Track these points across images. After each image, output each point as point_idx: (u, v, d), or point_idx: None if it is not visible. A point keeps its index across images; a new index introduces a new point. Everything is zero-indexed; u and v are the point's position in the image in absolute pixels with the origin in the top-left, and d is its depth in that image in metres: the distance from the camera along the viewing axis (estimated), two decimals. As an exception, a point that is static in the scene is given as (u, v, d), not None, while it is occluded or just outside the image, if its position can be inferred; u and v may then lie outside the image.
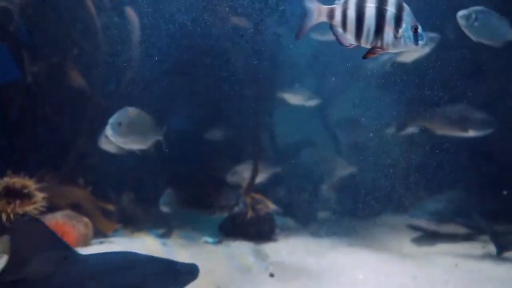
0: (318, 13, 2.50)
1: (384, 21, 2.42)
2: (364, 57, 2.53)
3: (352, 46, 2.52)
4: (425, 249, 6.12)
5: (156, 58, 6.23)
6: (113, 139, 4.67)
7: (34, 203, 5.26)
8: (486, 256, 5.76)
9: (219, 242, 6.02)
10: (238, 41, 6.31)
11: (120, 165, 6.29)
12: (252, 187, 6.40)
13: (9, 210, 5.09)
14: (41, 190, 5.37)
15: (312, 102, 7.46)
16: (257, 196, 6.39)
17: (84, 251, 4.27)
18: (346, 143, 8.19)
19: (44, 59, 6.06)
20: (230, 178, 6.79)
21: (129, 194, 6.53)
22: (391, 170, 6.63)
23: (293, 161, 7.43)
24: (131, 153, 5.72)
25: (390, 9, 2.42)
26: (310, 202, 7.17)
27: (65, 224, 5.33)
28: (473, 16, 4.33)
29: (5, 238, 5.09)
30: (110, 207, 6.15)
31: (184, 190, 6.70)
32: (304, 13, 2.51)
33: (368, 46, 2.49)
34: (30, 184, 5.33)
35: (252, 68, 6.33)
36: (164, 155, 6.01)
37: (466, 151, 6.25)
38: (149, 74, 6.43)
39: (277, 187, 7.23)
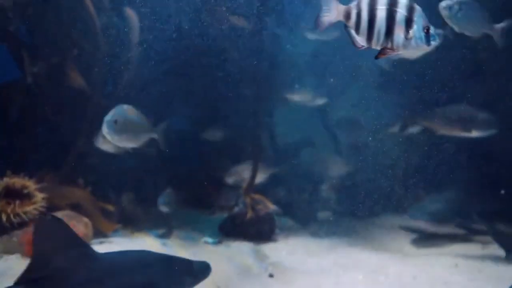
0: (336, 12, 2.54)
1: (394, 22, 2.46)
2: (376, 58, 2.57)
3: (364, 48, 2.56)
4: (425, 249, 6.12)
5: (156, 58, 6.23)
6: (108, 137, 4.66)
7: (34, 203, 5.26)
8: (486, 256, 5.76)
9: (219, 242, 6.02)
10: (237, 41, 6.32)
11: (120, 165, 6.29)
12: (252, 187, 6.40)
13: (9, 210, 5.09)
14: (41, 190, 5.37)
15: (320, 101, 7.47)
16: (257, 197, 6.39)
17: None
18: (346, 143, 8.18)
19: (44, 59, 6.05)
20: (230, 178, 6.79)
21: (129, 194, 6.53)
22: (391, 170, 6.63)
23: (293, 161, 7.43)
24: (130, 153, 5.73)
25: (400, 11, 2.45)
26: (310, 202, 7.16)
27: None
28: (456, 7, 4.30)
29: (5, 238, 5.10)
30: (110, 207, 6.15)
31: (184, 190, 6.69)
32: (323, 10, 2.55)
33: (379, 48, 2.53)
34: (30, 185, 5.33)
35: (252, 69, 6.34)
36: (164, 155, 6.02)
37: (466, 151, 6.25)
38: (149, 74, 6.43)
39: (277, 187, 7.23)
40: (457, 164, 6.14)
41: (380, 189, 6.53)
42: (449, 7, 4.30)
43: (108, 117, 4.63)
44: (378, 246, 6.16)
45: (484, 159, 6.42)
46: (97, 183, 6.12)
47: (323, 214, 7.28)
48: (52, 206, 5.42)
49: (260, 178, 6.59)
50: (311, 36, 6.91)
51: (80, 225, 5.43)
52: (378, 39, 2.49)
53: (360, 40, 2.53)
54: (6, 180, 5.26)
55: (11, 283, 3.90)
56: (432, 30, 2.48)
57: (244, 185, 6.46)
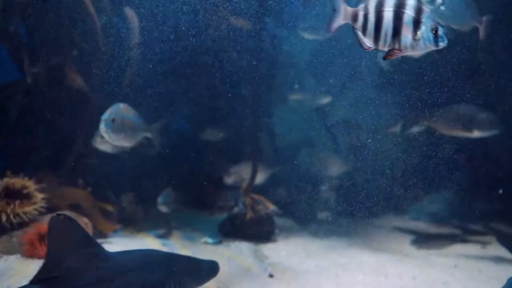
0: (344, 14, 2.61)
1: (401, 24, 2.51)
2: (385, 58, 2.63)
3: (371, 49, 2.61)
4: (425, 250, 6.12)
5: (155, 59, 6.23)
6: (106, 135, 4.58)
7: (34, 203, 5.26)
8: (486, 256, 5.76)
9: (219, 242, 6.02)
10: (236, 41, 6.32)
11: (120, 166, 6.30)
12: (252, 188, 6.40)
13: (8, 210, 5.09)
14: (40, 190, 5.37)
15: (325, 100, 7.49)
16: (257, 197, 6.39)
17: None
18: (345, 144, 8.18)
19: (44, 59, 6.05)
20: (230, 179, 6.80)
21: (128, 195, 6.53)
22: (391, 170, 6.63)
23: (292, 162, 7.43)
24: (131, 153, 5.73)
25: (408, 12, 2.51)
26: (310, 203, 7.16)
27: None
28: (439, 0, 4.28)
29: (5, 238, 5.10)
30: (110, 207, 6.15)
31: (184, 191, 6.70)
32: (332, 12, 2.62)
33: (386, 49, 2.59)
34: (30, 185, 5.33)
35: (252, 69, 6.34)
36: (164, 155, 6.02)
37: (465, 151, 6.25)
38: (149, 75, 6.43)
39: (276, 187, 7.23)
40: (457, 165, 6.15)
41: (379, 189, 6.53)
42: (431, 1, 4.29)
43: (105, 116, 4.56)
44: (378, 246, 6.16)
45: (483, 160, 6.43)
46: (97, 184, 6.12)
47: (322, 215, 7.28)
48: (51, 207, 5.42)
49: (260, 178, 6.59)
50: (307, 36, 6.90)
51: (80, 226, 5.42)
52: (385, 40, 2.55)
53: (367, 41, 2.59)
54: (6, 180, 5.26)
55: (11, 283, 3.92)
56: (440, 31, 2.53)
57: (244, 185, 6.46)
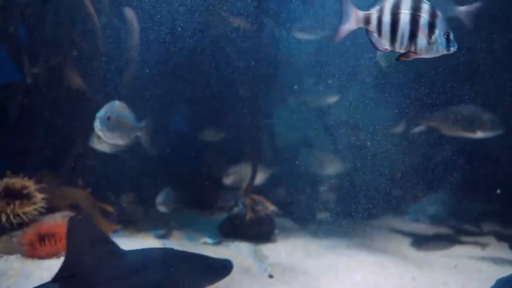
0: (355, 19, 2.63)
1: (418, 27, 2.55)
2: (397, 59, 2.66)
3: (387, 50, 2.65)
4: (424, 251, 6.12)
5: (155, 59, 6.23)
6: (100, 133, 4.47)
7: (34, 203, 5.26)
8: (486, 257, 5.76)
9: (218, 243, 6.02)
10: (235, 41, 6.32)
11: (119, 166, 6.29)
12: (252, 188, 6.40)
13: (8, 210, 5.09)
14: (40, 190, 5.37)
15: (333, 99, 7.49)
16: (257, 197, 6.40)
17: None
18: (345, 144, 8.18)
19: (44, 59, 6.06)
20: (229, 179, 6.80)
21: (128, 195, 6.53)
22: (391, 171, 6.63)
23: (292, 162, 7.42)
24: (130, 154, 5.71)
25: (424, 16, 2.55)
26: (309, 203, 7.16)
27: (64, 225, 5.33)
28: None
29: (5, 238, 5.10)
30: (110, 208, 6.15)
31: (184, 191, 6.70)
32: (342, 18, 2.65)
33: (402, 51, 2.63)
34: (30, 185, 5.34)
35: (252, 69, 6.34)
36: (163, 155, 6.02)
37: (464, 152, 6.25)
38: (149, 75, 6.43)
39: (276, 188, 7.23)
40: (456, 165, 6.14)
41: (379, 190, 6.52)
42: None
43: (100, 113, 4.40)
44: (377, 246, 6.16)
45: (483, 160, 6.42)
46: (96, 184, 6.12)
47: (322, 215, 7.28)
48: (51, 207, 5.43)
49: (260, 178, 6.59)
50: (301, 35, 6.88)
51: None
52: (402, 42, 2.59)
53: (383, 43, 2.62)
54: (6, 180, 5.27)
55: (11, 283, 3.94)
56: (451, 36, 2.58)
57: (244, 185, 6.47)
